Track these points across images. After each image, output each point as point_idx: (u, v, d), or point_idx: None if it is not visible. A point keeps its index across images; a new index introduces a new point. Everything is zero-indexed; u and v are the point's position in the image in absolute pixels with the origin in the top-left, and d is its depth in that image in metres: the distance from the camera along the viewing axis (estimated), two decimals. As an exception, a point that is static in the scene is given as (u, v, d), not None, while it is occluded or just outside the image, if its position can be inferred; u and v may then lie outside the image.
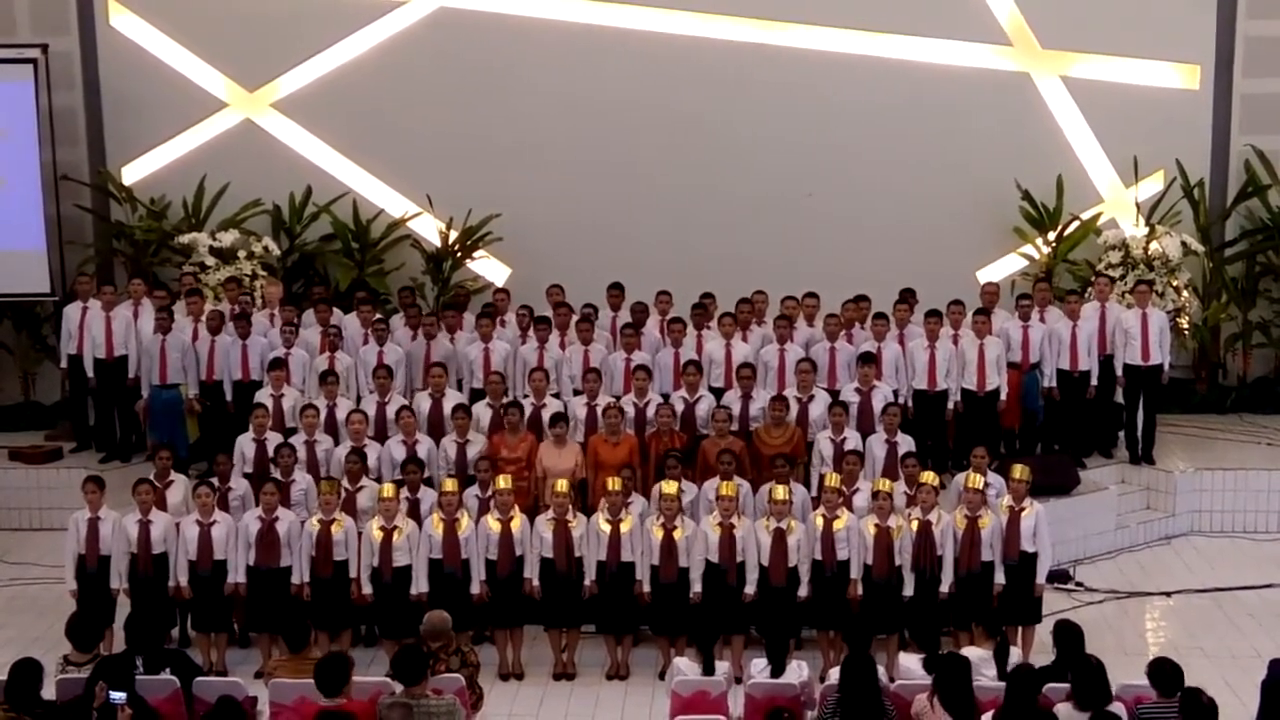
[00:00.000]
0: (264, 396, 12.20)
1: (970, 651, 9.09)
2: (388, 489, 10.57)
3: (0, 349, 15.94)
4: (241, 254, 15.10)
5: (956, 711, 7.88)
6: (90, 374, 13.71)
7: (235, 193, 15.67)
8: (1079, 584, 12.27)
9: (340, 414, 11.90)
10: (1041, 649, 10.00)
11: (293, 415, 12.02)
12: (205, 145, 16.04)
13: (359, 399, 12.50)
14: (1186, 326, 14.88)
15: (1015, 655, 9.06)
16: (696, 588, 10.41)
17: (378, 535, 10.44)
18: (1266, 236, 15.58)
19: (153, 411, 13.36)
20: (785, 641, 9.08)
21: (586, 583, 10.53)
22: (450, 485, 10.59)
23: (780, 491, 10.42)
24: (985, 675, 8.66)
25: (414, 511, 10.75)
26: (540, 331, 12.88)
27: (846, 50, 15.68)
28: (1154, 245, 14.90)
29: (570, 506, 10.60)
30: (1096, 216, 15.53)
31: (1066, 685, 8.06)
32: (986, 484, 10.55)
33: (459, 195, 15.54)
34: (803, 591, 10.40)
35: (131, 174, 16.05)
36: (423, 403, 12.09)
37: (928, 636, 10.27)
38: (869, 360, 12.25)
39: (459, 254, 15.63)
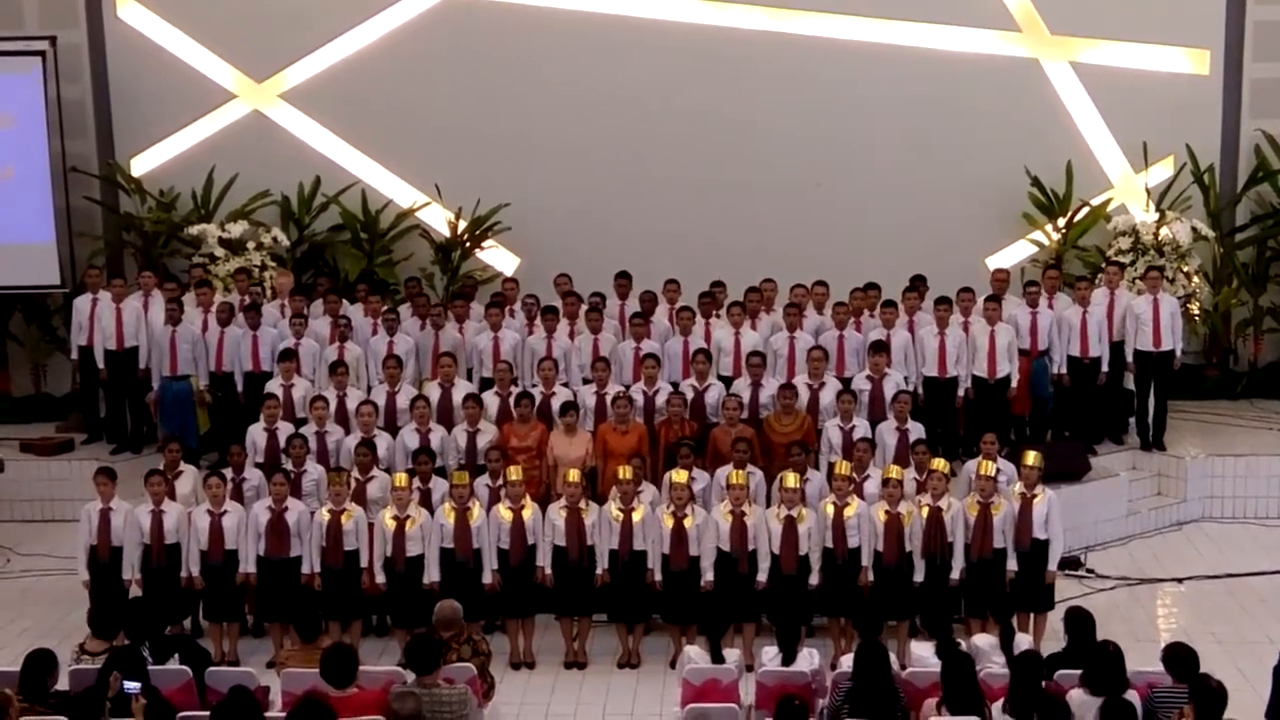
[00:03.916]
0: (274, 387, 12.22)
1: (981, 639, 9.10)
2: (401, 478, 10.58)
3: (11, 341, 15.99)
4: (251, 245, 15.16)
5: (961, 710, 7.85)
6: (101, 366, 13.77)
7: (244, 184, 15.70)
8: (1090, 570, 12.26)
9: (350, 404, 11.92)
10: (1053, 636, 10.01)
11: (303, 406, 12.04)
12: (214, 137, 16.07)
13: (369, 389, 12.52)
14: (1197, 312, 14.88)
15: (1025, 642, 9.05)
16: (708, 576, 10.43)
17: (391, 525, 10.45)
18: (1277, 221, 15.54)
19: (163, 403, 13.38)
20: (796, 629, 9.07)
21: (599, 571, 10.54)
22: (461, 477, 10.59)
23: (791, 479, 10.42)
24: (995, 662, 8.66)
25: (426, 501, 10.76)
26: (549, 321, 12.89)
27: (854, 37, 15.66)
28: (1164, 231, 14.90)
29: (582, 495, 10.61)
30: (1106, 202, 15.52)
31: (1078, 672, 8.07)
32: (998, 470, 10.55)
33: (467, 185, 15.55)
34: (814, 579, 10.41)
35: (140, 166, 16.08)
36: (432, 393, 12.10)
37: (939, 623, 10.26)
38: (881, 349, 12.24)
39: (468, 244, 15.64)
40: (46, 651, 8.22)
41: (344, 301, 13.64)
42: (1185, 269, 14.81)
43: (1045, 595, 10.56)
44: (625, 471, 10.60)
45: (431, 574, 10.49)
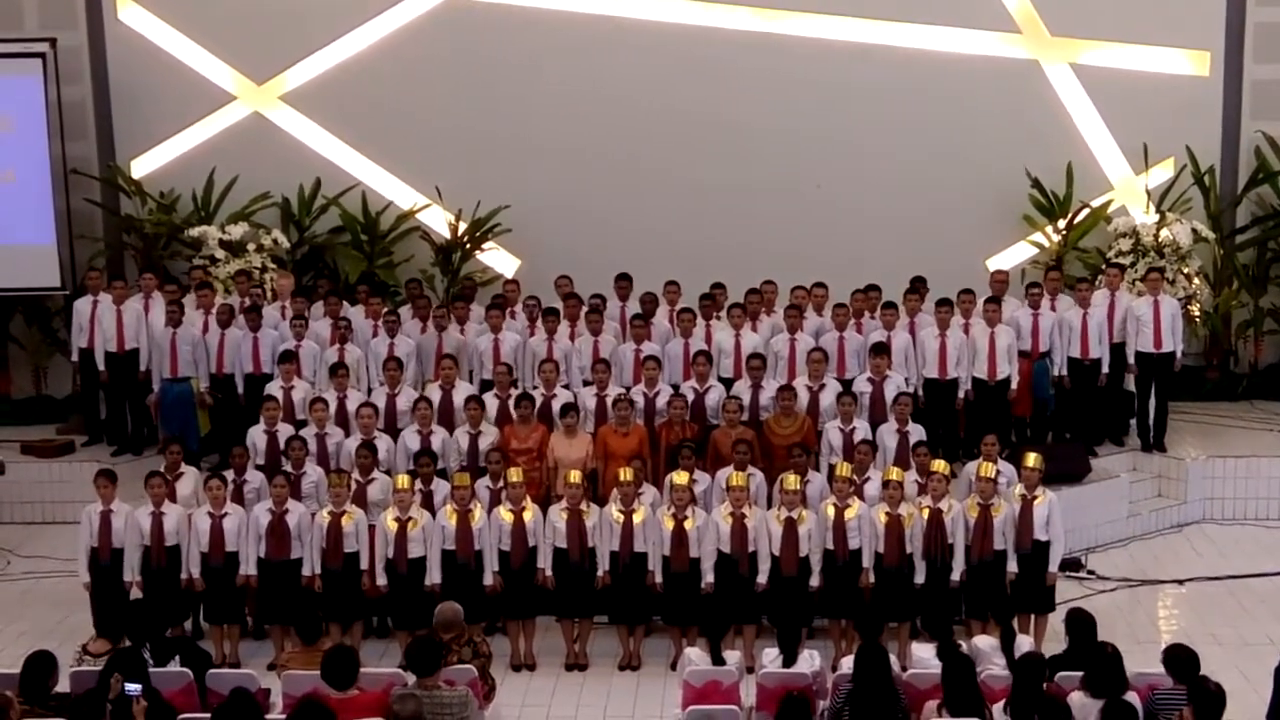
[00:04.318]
0: (275, 389, 12.22)
1: (982, 640, 9.09)
2: (403, 480, 10.58)
3: (11, 343, 15.98)
4: (251, 247, 15.16)
5: (962, 712, 7.85)
6: (101, 368, 13.77)
7: (244, 186, 15.69)
8: (1091, 572, 12.25)
9: (351, 406, 11.91)
10: (1054, 637, 10.01)
11: (303, 407, 12.03)
12: (214, 138, 16.06)
13: (369, 391, 12.52)
14: (1197, 314, 14.88)
15: (1027, 643, 9.05)
16: (709, 578, 10.42)
17: (393, 526, 10.45)
18: (1277, 223, 15.54)
19: (164, 405, 13.39)
20: (797, 631, 9.08)
21: (599, 573, 10.54)
22: (463, 479, 10.58)
23: (791, 481, 10.42)
24: (996, 664, 8.65)
25: (427, 503, 10.75)
26: (549, 323, 12.89)
27: (854, 39, 15.66)
28: (1164, 232, 14.90)
29: (583, 497, 10.61)
30: (1107, 204, 15.51)
31: (1079, 674, 8.07)
32: (998, 472, 10.55)
33: (468, 187, 15.54)
34: (814, 581, 10.41)
35: (141, 168, 16.07)
36: (433, 394, 12.10)
37: (940, 625, 10.25)
38: (881, 350, 12.24)
39: (468, 246, 15.63)
40: (47, 654, 8.22)
41: (344, 303, 13.64)
42: (1186, 271, 14.81)
43: (1046, 597, 10.56)
44: (626, 473, 10.59)
45: (433, 576, 10.49)
